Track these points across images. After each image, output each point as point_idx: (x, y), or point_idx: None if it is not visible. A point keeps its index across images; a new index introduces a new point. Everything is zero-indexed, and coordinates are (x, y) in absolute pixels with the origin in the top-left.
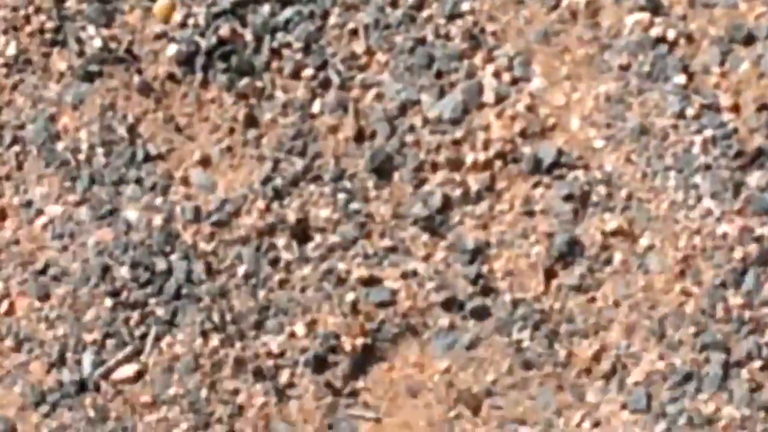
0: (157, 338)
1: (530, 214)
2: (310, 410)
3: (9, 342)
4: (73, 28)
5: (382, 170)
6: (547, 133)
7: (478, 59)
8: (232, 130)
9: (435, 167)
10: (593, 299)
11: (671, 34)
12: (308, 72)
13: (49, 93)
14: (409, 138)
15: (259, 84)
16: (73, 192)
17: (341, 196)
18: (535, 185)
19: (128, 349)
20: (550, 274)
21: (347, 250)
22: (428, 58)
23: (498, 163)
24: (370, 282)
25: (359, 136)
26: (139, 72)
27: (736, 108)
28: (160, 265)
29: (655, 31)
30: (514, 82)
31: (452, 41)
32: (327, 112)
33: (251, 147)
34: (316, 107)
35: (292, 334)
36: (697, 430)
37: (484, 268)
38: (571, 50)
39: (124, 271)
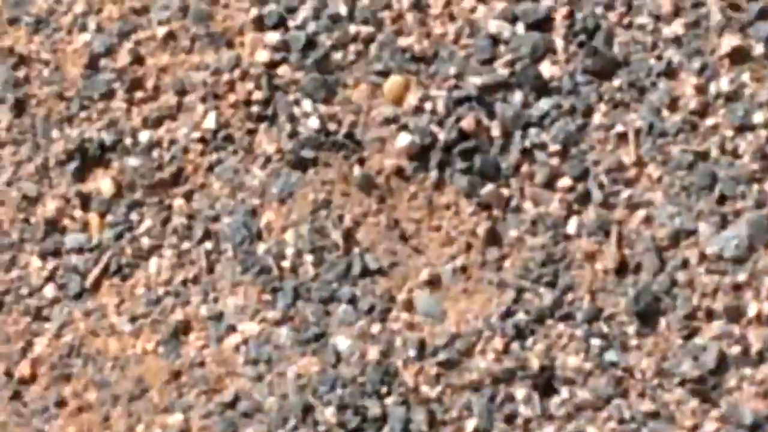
0: None
1: None
2: None
3: None
4: (285, 102)
5: (647, 314)
6: None
7: None
8: (468, 247)
9: (710, 316)
10: None
11: None
12: (565, 182)
13: (252, 180)
14: (681, 276)
15: (504, 192)
16: (273, 307)
17: (595, 342)
18: None
19: None
20: None
21: (599, 410)
22: (710, 177)
23: None
24: None
25: (621, 269)
26: (361, 163)
27: None
28: (374, 409)
29: None
30: None
31: (740, 159)
32: (584, 235)
33: (491, 270)
34: (571, 227)
35: None
36: None
37: None
38: None
39: (328, 414)
